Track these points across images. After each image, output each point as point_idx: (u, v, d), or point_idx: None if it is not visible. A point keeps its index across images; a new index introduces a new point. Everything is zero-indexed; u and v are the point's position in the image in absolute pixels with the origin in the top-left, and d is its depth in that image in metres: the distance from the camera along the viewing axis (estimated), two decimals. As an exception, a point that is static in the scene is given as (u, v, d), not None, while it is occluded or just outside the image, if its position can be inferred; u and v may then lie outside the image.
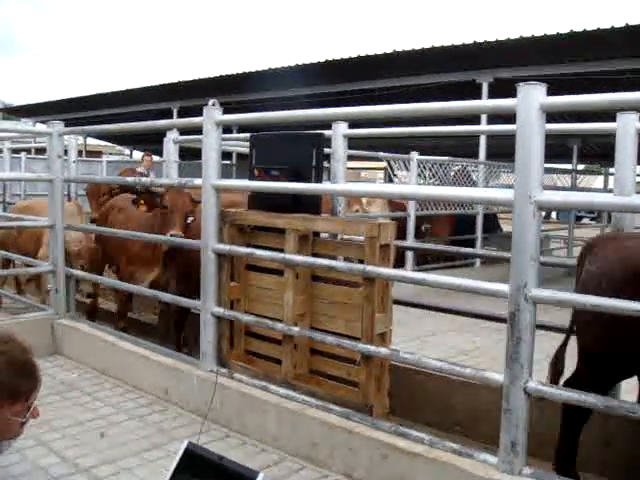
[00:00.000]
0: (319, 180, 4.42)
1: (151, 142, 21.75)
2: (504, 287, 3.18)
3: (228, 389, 4.42)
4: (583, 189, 16.37)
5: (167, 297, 5.53)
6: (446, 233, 12.48)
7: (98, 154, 28.56)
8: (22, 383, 2.59)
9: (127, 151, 34.36)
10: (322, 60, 14.70)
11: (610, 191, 7.48)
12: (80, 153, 19.52)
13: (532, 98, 3.05)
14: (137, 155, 26.51)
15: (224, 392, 4.42)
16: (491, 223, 13.99)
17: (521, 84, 3.10)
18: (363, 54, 13.98)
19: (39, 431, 4.14)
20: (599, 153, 20.53)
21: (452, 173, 11.39)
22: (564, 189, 14.81)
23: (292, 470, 3.83)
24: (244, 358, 4.73)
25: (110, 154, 32.17)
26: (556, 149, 16.58)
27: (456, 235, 12.44)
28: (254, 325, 4.60)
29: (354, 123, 5.09)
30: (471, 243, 12.06)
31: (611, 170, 17.08)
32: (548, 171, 15.51)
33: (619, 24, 10.73)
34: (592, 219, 28.08)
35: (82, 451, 3.99)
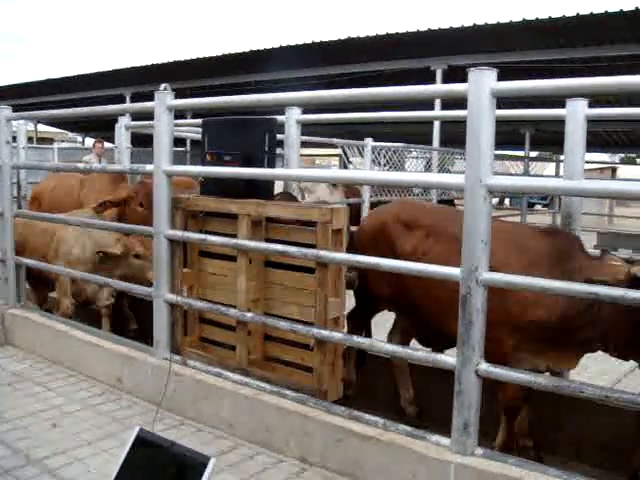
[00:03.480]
0: (271, 165, 4.40)
1: (104, 129, 21.41)
2: (455, 271, 3.22)
3: (182, 376, 4.40)
4: (535, 176, 16.59)
5: (120, 285, 5.45)
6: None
7: (49, 141, 28.01)
8: None
9: (79, 138, 33.76)
10: (277, 46, 14.62)
11: (561, 177, 7.60)
12: (31, 140, 19.12)
13: (483, 83, 3.08)
14: (89, 142, 26.06)
15: (178, 380, 4.39)
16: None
17: (472, 69, 3.13)
18: (317, 40, 13.93)
19: (-11, 423, 4.07)
20: (551, 140, 20.83)
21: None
22: (517, 175, 14.98)
23: (247, 456, 3.83)
24: (198, 345, 4.71)
25: (62, 141, 31.58)
26: (509, 136, 16.78)
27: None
28: (207, 312, 4.58)
29: (307, 109, 5.08)
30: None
31: (562, 157, 17.36)
32: (501, 158, 15.68)
33: (570, 13, 10.89)
34: (544, 205, 28.50)
35: (34, 442, 3.93)
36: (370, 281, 4.46)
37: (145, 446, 2.58)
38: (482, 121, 3.08)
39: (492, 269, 3.19)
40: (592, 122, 4.50)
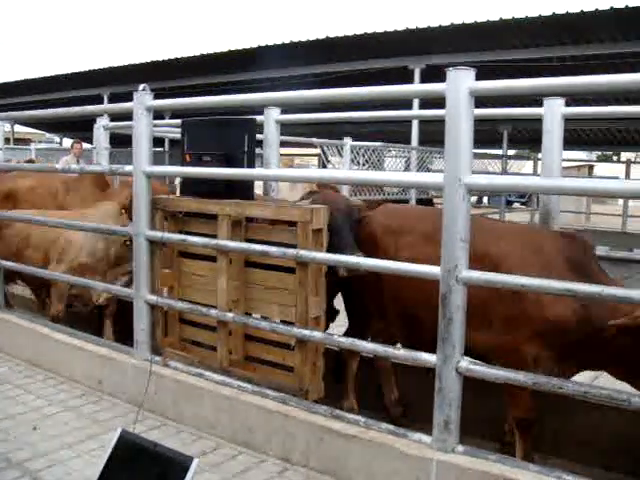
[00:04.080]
0: (251, 165, 4.40)
1: (82, 129, 21.27)
2: (435, 269, 3.24)
3: (163, 377, 4.38)
4: (513, 174, 16.71)
5: (100, 286, 5.42)
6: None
7: (27, 142, 27.74)
8: None
9: (57, 139, 33.51)
10: (255, 46, 14.61)
11: (539, 175, 7.66)
12: (7, 141, 18.94)
13: (461, 82, 3.10)
14: (67, 143, 25.86)
15: (159, 381, 4.38)
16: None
17: (450, 69, 3.15)
18: (296, 40, 13.95)
19: (-32, 426, 4.03)
20: (529, 138, 21.00)
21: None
22: (495, 174, 15.07)
23: (229, 456, 3.83)
24: (179, 346, 4.69)
25: (39, 142, 31.30)
26: (487, 135, 16.89)
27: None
28: (188, 312, 4.57)
29: (287, 109, 5.09)
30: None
31: (539, 155, 17.48)
32: (480, 157, 15.79)
33: (546, 12, 10.99)
34: (522, 204, 28.70)
35: (14, 445, 3.90)
36: (367, 294, 4.42)
37: (128, 447, 2.58)
38: (460, 120, 3.11)
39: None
40: (569, 121, 4.56)
